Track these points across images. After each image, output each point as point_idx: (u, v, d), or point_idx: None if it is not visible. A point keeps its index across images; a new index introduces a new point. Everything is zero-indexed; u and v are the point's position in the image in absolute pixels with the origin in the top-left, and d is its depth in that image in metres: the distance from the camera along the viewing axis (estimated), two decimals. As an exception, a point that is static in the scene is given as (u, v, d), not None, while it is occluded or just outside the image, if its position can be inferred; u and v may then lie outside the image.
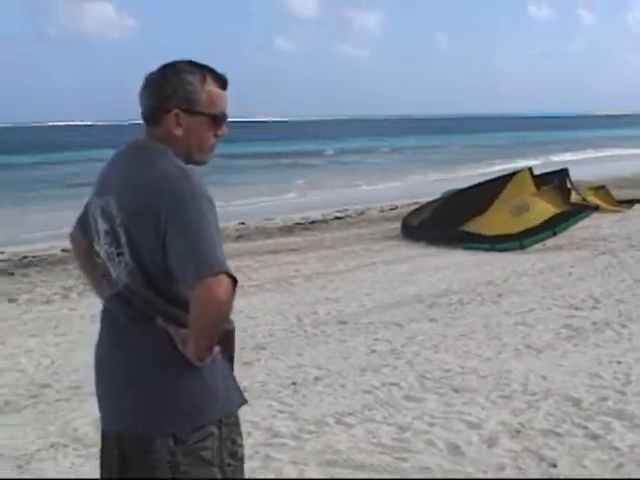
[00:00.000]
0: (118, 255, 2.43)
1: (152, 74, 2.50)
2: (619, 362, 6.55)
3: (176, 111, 2.44)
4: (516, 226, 12.24)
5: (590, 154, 43.89)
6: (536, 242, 12.14)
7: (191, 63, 2.50)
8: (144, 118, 2.50)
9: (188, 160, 2.48)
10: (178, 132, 2.46)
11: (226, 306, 2.23)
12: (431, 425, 5.29)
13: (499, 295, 9.05)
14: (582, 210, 12.97)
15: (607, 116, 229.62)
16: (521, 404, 5.65)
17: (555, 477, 4.52)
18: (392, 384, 6.03)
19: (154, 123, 2.48)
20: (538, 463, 4.69)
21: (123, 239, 2.40)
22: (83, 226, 2.67)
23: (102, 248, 2.50)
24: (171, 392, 2.40)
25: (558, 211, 12.45)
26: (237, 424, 2.57)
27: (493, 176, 15.05)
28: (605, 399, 5.69)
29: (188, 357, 2.35)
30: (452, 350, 6.88)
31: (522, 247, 12.03)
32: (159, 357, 2.40)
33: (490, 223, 12.51)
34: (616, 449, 4.85)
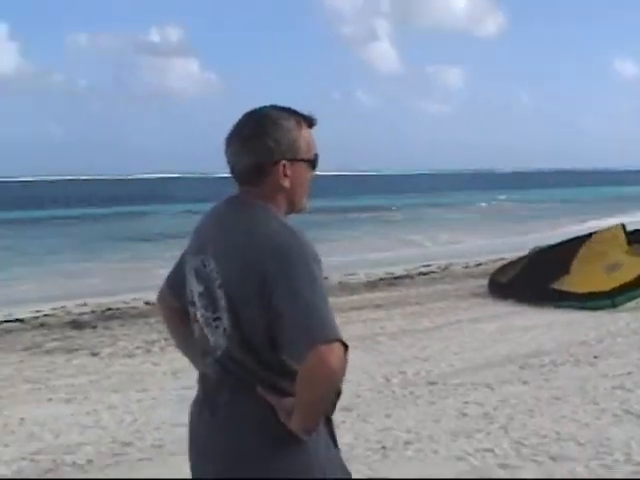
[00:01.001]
0: (215, 320, 2.33)
1: (244, 127, 2.36)
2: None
3: (283, 162, 2.34)
4: (608, 283, 11.86)
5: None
6: (629, 300, 11.73)
7: (278, 108, 2.40)
8: (241, 176, 2.38)
9: (292, 210, 2.41)
10: (286, 184, 2.35)
11: (339, 376, 2.12)
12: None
13: (595, 357, 8.71)
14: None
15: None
16: (624, 475, 5.36)
17: None
18: (486, 450, 5.79)
19: (257, 179, 2.35)
20: None
21: (222, 303, 2.29)
22: (174, 286, 2.59)
23: (198, 311, 2.40)
24: (274, 466, 2.27)
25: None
26: None
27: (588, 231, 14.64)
28: None
29: (292, 429, 2.23)
30: (547, 414, 6.61)
31: (614, 305, 11.63)
32: (260, 429, 2.28)
33: (582, 281, 12.16)
34: None
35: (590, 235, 13.81)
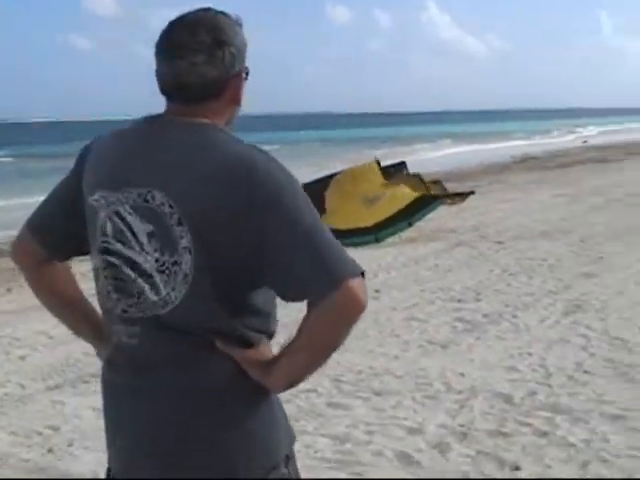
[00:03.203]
0: (174, 265, 1.91)
1: (196, 35, 1.96)
2: (530, 354, 6.53)
3: (242, 74, 2.05)
4: (370, 219, 12.12)
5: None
6: (391, 235, 12.09)
7: (218, 11, 2.05)
8: (193, 92, 1.98)
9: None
10: (239, 97, 2.07)
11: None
12: (369, 433, 4.97)
13: (376, 291, 8.85)
14: (437, 198, 13.11)
15: (391, 114, 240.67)
16: (452, 404, 5.45)
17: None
18: (309, 391, 5.63)
19: (213, 95, 2.00)
20: (500, 467, 4.51)
21: (183, 242, 1.89)
22: (42, 231, 2.14)
23: (143, 257, 1.95)
24: (242, 430, 1.97)
25: (419, 195, 12.45)
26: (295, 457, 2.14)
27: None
28: (534, 393, 5.62)
29: (268, 383, 1.95)
30: (355, 350, 6.54)
31: (377, 240, 11.94)
32: (223, 389, 1.96)
33: (342, 218, 12.31)
34: (572, 445, 4.74)
35: (337, 173, 14.01)
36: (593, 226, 13.38)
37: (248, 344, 1.96)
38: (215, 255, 1.88)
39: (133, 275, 1.95)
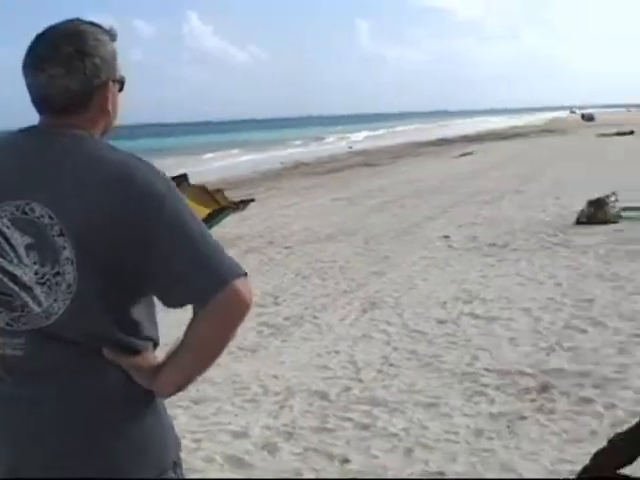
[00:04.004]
0: (55, 276, 1.89)
1: (59, 46, 1.95)
2: (337, 352, 6.75)
3: (109, 83, 2.04)
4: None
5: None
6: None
7: (86, 22, 2.05)
8: (58, 103, 1.97)
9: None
10: (110, 107, 2.05)
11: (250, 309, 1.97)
12: (196, 441, 4.97)
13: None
14: (225, 209, 13.20)
15: (154, 125, 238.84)
16: (271, 406, 5.55)
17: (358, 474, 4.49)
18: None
19: (81, 105, 1.99)
20: (330, 461, 4.64)
21: (65, 253, 1.88)
22: None
23: (22, 270, 1.92)
24: (129, 437, 1.97)
25: (210, 211, 12.48)
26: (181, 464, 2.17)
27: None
28: (349, 388, 5.83)
29: (156, 388, 1.98)
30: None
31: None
32: (110, 397, 1.96)
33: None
34: (394, 435, 4.97)
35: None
36: (374, 227, 13.98)
37: (135, 351, 1.97)
38: (98, 265, 1.88)
39: (16, 288, 1.92)
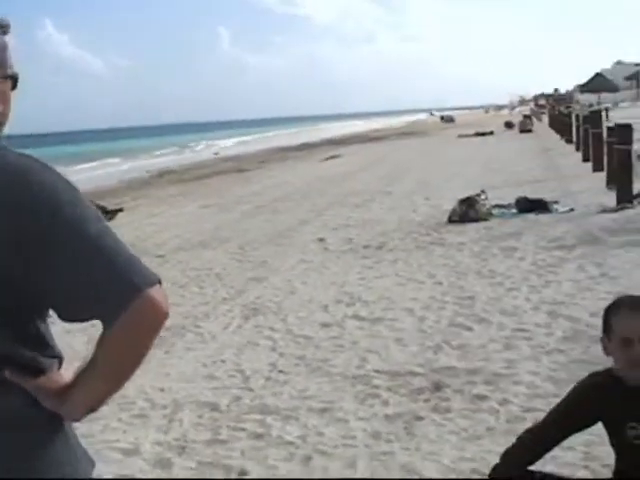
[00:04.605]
0: None
1: None
2: (223, 360, 6.60)
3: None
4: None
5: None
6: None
7: None
8: None
9: None
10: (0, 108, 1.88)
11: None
12: (84, 462, 4.69)
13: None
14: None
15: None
16: (160, 420, 5.35)
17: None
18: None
19: None
20: (227, 474, 4.50)
21: None
22: None
23: None
24: (36, 462, 1.79)
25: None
26: None
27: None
28: (239, 398, 5.69)
29: (64, 410, 1.82)
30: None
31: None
32: (14, 422, 1.78)
33: None
34: (289, 443, 4.86)
35: None
36: (248, 233, 13.85)
37: (39, 371, 1.79)
38: None
39: None
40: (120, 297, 1.69)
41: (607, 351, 3.04)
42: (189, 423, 5.25)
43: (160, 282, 1.76)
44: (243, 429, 5.11)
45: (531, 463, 3.18)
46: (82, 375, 1.79)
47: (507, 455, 3.27)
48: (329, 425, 5.07)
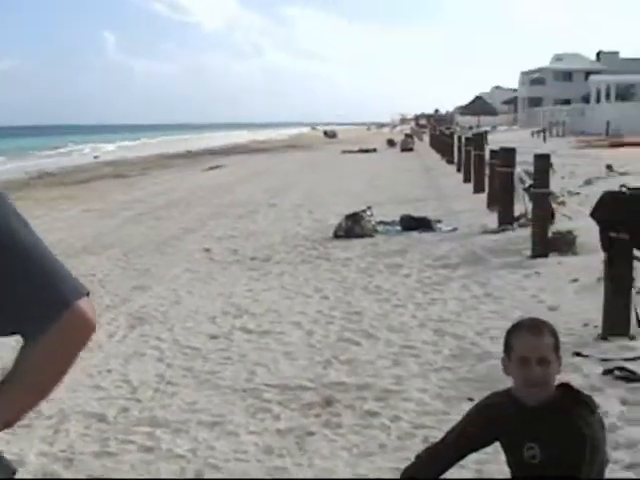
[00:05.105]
0: None
1: None
2: (109, 370, 6.47)
3: None
4: None
5: None
6: None
7: None
8: None
9: None
10: None
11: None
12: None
13: None
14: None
15: None
16: (45, 430, 5.20)
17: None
18: None
19: None
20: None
21: None
22: None
23: None
24: None
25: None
26: None
27: None
28: (127, 409, 5.59)
29: None
30: None
31: None
32: None
33: None
34: (180, 456, 4.80)
35: None
36: (131, 240, 13.63)
37: None
38: None
39: None
40: (50, 310, 1.65)
41: (507, 371, 3.11)
42: (76, 434, 5.12)
43: (88, 294, 1.73)
44: (132, 441, 5.00)
45: (431, 481, 3.23)
46: (0, 388, 1.72)
47: (406, 473, 3.31)
48: (220, 439, 5.03)
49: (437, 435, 4.59)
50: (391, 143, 49.51)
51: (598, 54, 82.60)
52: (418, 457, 3.32)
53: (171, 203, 19.51)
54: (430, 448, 3.34)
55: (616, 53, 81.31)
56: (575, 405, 2.97)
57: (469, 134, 26.31)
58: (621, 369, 5.50)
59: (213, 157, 46.46)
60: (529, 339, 3.01)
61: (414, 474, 3.26)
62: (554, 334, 3.02)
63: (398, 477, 3.50)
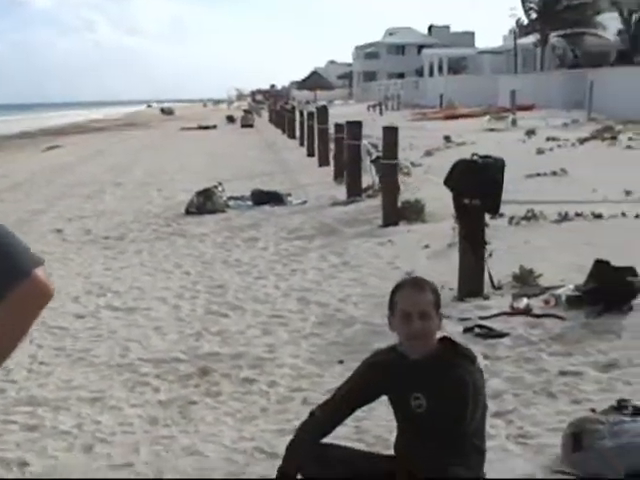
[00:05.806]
0: None
1: None
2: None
3: None
4: None
5: None
6: None
7: None
8: None
9: None
10: None
11: None
12: None
13: None
14: None
15: None
16: None
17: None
18: None
19: None
20: (9, 468, 4.42)
21: None
22: None
23: None
24: None
25: None
26: None
27: None
28: (3, 390, 5.59)
29: None
30: None
31: None
32: None
33: None
34: (66, 432, 4.87)
35: None
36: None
37: None
38: None
39: None
40: (12, 276, 1.76)
41: (392, 327, 3.37)
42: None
43: (43, 263, 1.84)
44: (14, 421, 5.00)
45: (324, 436, 3.46)
46: None
47: (301, 430, 3.53)
48: (103, 413, 5.10)
49: (314, 396, 4.88)
50: (231, 119, 49.40)
51: (430, 28, 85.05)
52: (312, 414, 3.53)
53: (14, 186, 18.93)
54: (322, 405, 3.56)
55: (447, 27, 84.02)
56: (456, 356, 3.27)
57: (311, 108, 26.68)
58: (480, 327, 5.92)
59: (50, 137, 45.07)
60: (411, 294, 3.27)
61: (309, 429, 3.47)
62: (435, 291, 3.30)
63: (282, 437, 3.72)
